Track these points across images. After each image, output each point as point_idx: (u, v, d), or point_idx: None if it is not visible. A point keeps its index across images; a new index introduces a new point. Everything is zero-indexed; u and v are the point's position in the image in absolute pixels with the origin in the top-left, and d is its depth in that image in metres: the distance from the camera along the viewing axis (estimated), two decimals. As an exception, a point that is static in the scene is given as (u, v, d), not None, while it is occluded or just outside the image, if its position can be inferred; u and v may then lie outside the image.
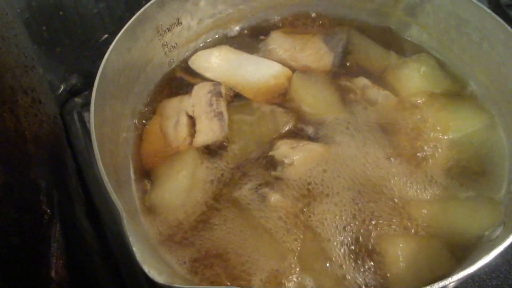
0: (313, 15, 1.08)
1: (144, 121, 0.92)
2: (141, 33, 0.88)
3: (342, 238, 0.75)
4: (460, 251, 0.73)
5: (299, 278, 0.72)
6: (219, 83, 0.94)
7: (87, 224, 0.97)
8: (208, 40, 1.05)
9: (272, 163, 0.83)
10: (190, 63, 1.00)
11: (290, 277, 0.72)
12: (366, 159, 0.83)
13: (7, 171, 0.72)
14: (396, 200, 0.79)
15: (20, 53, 0.90)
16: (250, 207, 0.78)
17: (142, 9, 0.86)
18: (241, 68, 0.97)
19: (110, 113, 0.80)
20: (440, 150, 0.84)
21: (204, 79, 0.97)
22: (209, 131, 0.87)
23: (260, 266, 0.73)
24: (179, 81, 0.99)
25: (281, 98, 0.93)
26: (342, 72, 0.97)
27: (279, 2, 1.07)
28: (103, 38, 1.16)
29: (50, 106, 1.00)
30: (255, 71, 0.96)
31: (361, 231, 0.75)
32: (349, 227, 0.76)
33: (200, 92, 0.92)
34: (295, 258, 0.73)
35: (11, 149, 0.76)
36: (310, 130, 0.87)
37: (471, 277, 0.87)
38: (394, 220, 0.77)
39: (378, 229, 0.76)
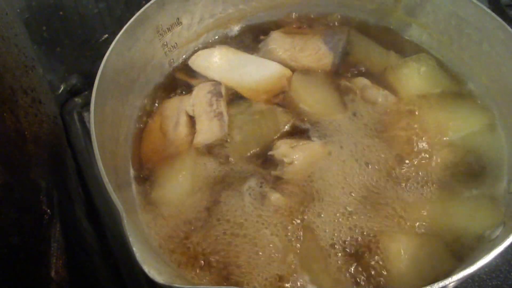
0: (313, 15, 1.08)
1: (144, 121, 0.92)
2: (141, 33, 0.88)
3: (342, 237, 0.75)
4: (460, 251, 0.73)
5: (300, 278, 0.72)
6: (219, 83, 0.94)
7: (87, 224, 0.97)
8: (208, 40, 1.05)
9: (272, 163, 0.83)
10: (190, 63, 1.00)
11: (290, 276, 0.72)
12: (365, 158, 0.83)
13: (7, 171, 0.72)
14: (396, 200, 0.79)
15: (20, 53, 0.90)
16: (250, 207, 0.78)
17: (142, 9, 0.86)
18: (241, 68, 0.97)
19: (110, 113, 0.80)
20: (440, 150, 0.84)
21: (204, 79, 0.97)
22: (209, 131, 0.87)
23: (260, 266, 0.73)
24: (179, 81, 0.99)
25: (281, 98, 0.93)
26: (342, 72, 0.97)
27: (279, 2, 1.07)
28: (103, 38, 1.16)
29: (50, 106, 1.00)
30: (255, 71, 0.96)
31: (361, 230, 0.75)
32: (349, 226, 0.76)
33: (200, 92, 0.92)
34: (295, 257, 0.73)
35: (11, 149, 0.76)
36: (310, 129, 0.88)
37: (471, 277, 0.87)
38: (394, 220, 0.77)
39: (378, 228, 0.76)
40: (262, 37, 1.04)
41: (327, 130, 0.87)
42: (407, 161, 0.83)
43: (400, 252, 0.72)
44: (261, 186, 0.80)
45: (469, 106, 0.92)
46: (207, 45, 1.04)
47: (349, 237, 0.75)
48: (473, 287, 0.87)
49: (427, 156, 0.83)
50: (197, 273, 0.73)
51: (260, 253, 0.74)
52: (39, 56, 1.04)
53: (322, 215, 0.77)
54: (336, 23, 1.07)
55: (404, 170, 0.82)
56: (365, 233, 0.75)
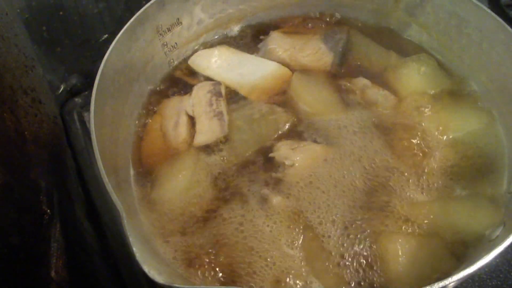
0: (312, 15, 1.08)
1: (144, 121, 0.92)
2: (141, 33, 0.88)
3: (343, 238, 0.75)
4: (460, 251, 0.73)
5: (300, 278, 0.72)
6: (219, 83, 0.94)
7: (87, 224, 0.97)
8: (208, 40, 1.05)
9: (272, 164, 0.83)
10: (190, 63, 1.00)
11: (291, 276, 0.72)
12: (366, 159, 0.83)
13: (7, 171, 0.72)
14: (396, 200, 0.79)
15: (20, 53, 0.90)
16: (251, 208, 0.78)
17: (142, 9, 0.86)
18: (241, 68, 0.97)
19: (110, 113, 0.80)
20: (440, 150, 0.84)
21: (204, 79, 0.97)
22: (209, 131, 0.87)
23: (261, 266, 0.73)
24: (179, 81, 0.99)
25: (281, 98, 0.93)
26: (341, 72, 0.97)
27: (279, 2, 1.07)
28: (103, 38, 1.16)
29: (50, 106, 1.00)
30: (255, 71, 0.96)
31: (362, 230, 0.76)
32: (350, 227, 0.76)
33: (200, 92, 0.92)
34: (296, 258, 0.73)
35: (11, 149, 0.76)
36: (310, 130, 0.87)
37: (471, 277, 0.87)
38: (394, 220, 0.77)
39: (378, 228, 0.76)
40: (262, 37, 1.04)
41: (327, 130, 0.87)
42: (407, 161, 0.83)
43: (400, 252, 0.72)
44: (262, 188, 0.80)
45: (469, 106, 0.92)
46: (207, 45, 1.04)
47: (349, 238, 0.75)
48: (473, 287, 0.87)
49: (427, 156, 0.83)
50: (197, 273, 0.73)
51: (262, 254, 0.74)
52: (39, 56, 1.04)
53: (322, 216, 0.77)
54: (336, 23, 1.07)
55: (404, 170, 0.82)
56: (365, 233, 0.75)
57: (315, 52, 1.00)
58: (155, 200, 0.81)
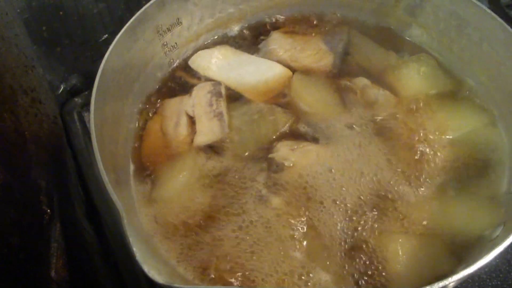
0: (313, 15, 1.08)
1: (144, 121, 0.92)
2: (141, 33, 0.88)
3: (343, 238, 0.75)
4: (460, 251, 0.73)
5: (302, 277, 0.72)
6: (219, 83, 0.94)
7: (87, 224, 0.97)
8: (208, 40, 1.05)
9: (272, 165, 0.83)
10: (190, 63, 1.00)
11: (292, 276, 0.72)
12: (366, 159, 0.83)
13: (7, 171, 0.72)
14: (396, 200, 0.79)
15: (20, 53, 0.90)
16: (251, 208, 0.78)
17: (142, 9, 0.86)
18: (241, 68, 0.97)
19: (110, 113, 0.80)
20: (440, 150, 0.84)
21: (204, 79, 0.97)
22: (209, 131, 0.87)
23: (263, 266, 0.73)
24: (179, 81, 0.98)
25: (281, 98, 0.93)
26: (342, 72, 0.97)
27: (279, 2, 1.07)
28: (103, 38, 1.16)
29: (50, 106, 1.00)
30: (255, 71, 0.96)
31: (362, 230, 0.75)
32: (350, 227, 0.76)
33: (200, 92, 0.92)
34: (297, 257, 0.73)
35: (11, 149, 0.76)
36: (310, 130, 0.87)
37: (471, 277, 0.87)
38: (394, 220, 0.77)
39: (379, 228, 0.76)
40: (262, 37, 1.04)
41: (327, 131, 0.87)
42: (407, 161, 0.83)
43: (400, 252, 0.72)
44: (261, 189, 0.80)
45: (469, 106, 0.92)
46: (207, 45, 1.04)
47: (349, 237, 0.75)
48: (473, 287, 0.87)
49: (427, 156, 0.83)
50: (197, 273, 0.73)
51: (262, 253, 0.74)
52: (39, 56, 1.04)
53: (322, 217, 0.77)
54: (336, 23, 1.07)
55: (404, 170, 0.82)
56: (365, 233, 0.75)
57: (315, 52, 1.00)
58: (155, 200, 0.81)
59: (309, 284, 0.71)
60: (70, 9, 1.08)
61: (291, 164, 0.81)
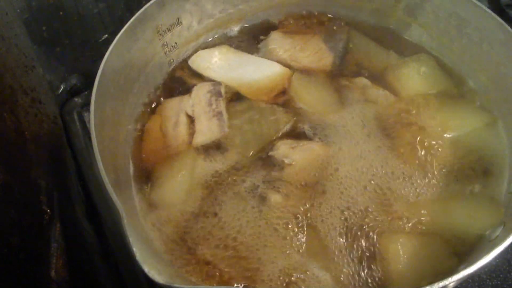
0: (313, 15, 1.08)
1: (144, 121, 0.92)
2: (141, 33, 0.88)
3: (343, 237, 0.75)
4: (460, 251, 0.73)
5: (301, 276, 0.72)
6: (219, 83, 0.94)
7: (87, 224, 0.97)
8: (208, 40, 1.05)
9: (272, 163, 0.83)
10: (190, 63, 1.00)
11: (292, 275, 0.72)
12: (365, 159, 0.83)
13: (7, 171, 0.72)
14: (396, 199, 0.79)
15: (20, 53, 0.90)
16: (251, 207, 0.78)
17: (142, 9, 0.86)
18: (241, 68, 0.97)
19: (110, 113, 0.80)
20: (440, 150, 0.84)
21: (204, 79, 0.97)
22: (208, 131, 0.87)
23: (262, 265, 0.73)
24: (179, 81, 0.98)
25: (281, 98, 0.93)
26: (342, 72, 0.97)
27: (279, 2, 1.07)
28: (103, 38, 1.16)
29: (50, 106, 1.00)
30: (255, 71, 0.96)
31: (362, 229, 0.76)
32: (350, 226, 0.76)
33: (200, 92, 0.92)
34: (297, 257, 0.73)
35: (11, 149, 0.76)
36: (310, 130, 0.88)
37: (471, 277, 0.87)
38: (394, 219, 0.77)
39: (378, 227, 0.76)
40: (262, 37, 1.04)
41: (327, 130, 0.87)
42: (407, 161, 0.83)
43: (400, 251, 0.72)
44: (261, 187, 0.80)
45: (469, 106, 0.92)
46: (207, 45, 1.04)
47: (349, 237, 0.75)
48: (473, 287, 0.87)
49: (427, 156, 0.83)
50: (197, 272, 0.73)
51: (262, 252, 0.74)
52: (39, 56, 1.04)
53: (322, 215, 0.77)
54: (336, 23, 1.07)
55: (404, 170, 0.82)
56: (365, 232, 0.75)
57: (315, 52, 1.00)
58: (155, 200, 0.81)
59: (308, 283, 0.71)
60: (70, 9, 1.08)
61: (291, 163, 0.81)
